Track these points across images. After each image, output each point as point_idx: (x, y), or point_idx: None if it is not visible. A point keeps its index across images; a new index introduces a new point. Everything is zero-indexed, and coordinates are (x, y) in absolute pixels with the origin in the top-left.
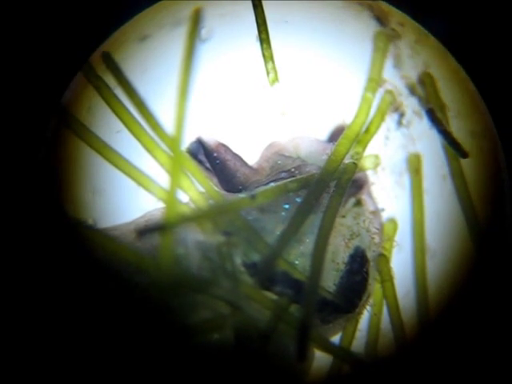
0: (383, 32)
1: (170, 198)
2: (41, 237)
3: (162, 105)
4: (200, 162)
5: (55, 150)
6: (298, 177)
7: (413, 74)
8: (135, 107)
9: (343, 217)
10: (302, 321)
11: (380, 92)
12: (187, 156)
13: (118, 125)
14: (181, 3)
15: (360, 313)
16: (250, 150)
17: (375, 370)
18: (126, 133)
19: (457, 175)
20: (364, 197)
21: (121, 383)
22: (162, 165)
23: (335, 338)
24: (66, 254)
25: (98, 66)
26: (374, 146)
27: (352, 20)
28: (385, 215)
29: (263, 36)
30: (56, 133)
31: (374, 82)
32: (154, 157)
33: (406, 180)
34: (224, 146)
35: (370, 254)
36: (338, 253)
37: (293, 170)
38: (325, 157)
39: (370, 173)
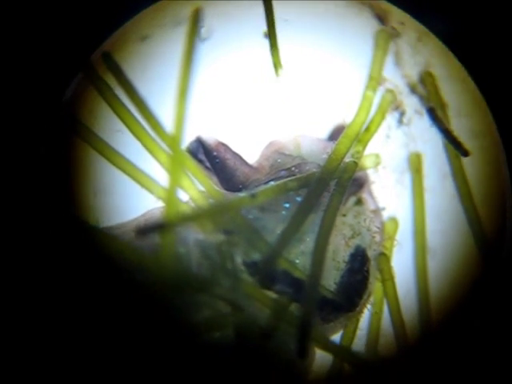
0: (384, 30)
1: (170, 196)
2: (43, 236)
3: (163, 104)
4: (200, 161)
5: (57, 150)
6: (299, 176)
7: (414, 73)
8: (135, 107)
9: (344, 215)
10: (302, 319)
11: (381, 91)
12: (187, 155)
13: (119, 124)
14: (181, 3)
15: (361, 312)
16: (251, 149)
17: (376, 369)
18: (126, 132)
19: (458, 174)
20: (365, 196)
21: (123, 382)
22: (161, 164)
23: (336, 337)
24: (68, 252)
25: (98, 66)
26: (375, 145)
27: (353, 18)
28: (386, 214)
29: (271, 30)
30: (57, 132)
31: (375, 80)
32: (154, 156)
33: (406, 179)
34: (224, 144)
35: (370, 253)
36: (339, 251)
37: (293, 168)
38: (325, 155)
39: (370, 172)
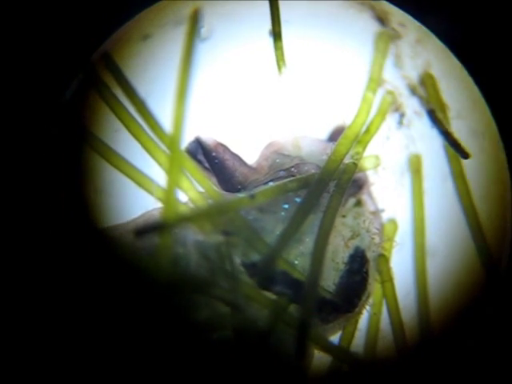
0: (384, 32)
1: (168, 197)
2: (44, 236)
3: (165, 104)
4: (199, 161)
5: (58, 149)
6: (298, 176)
7: (414, 74)
8: (134, 107)
9: (343, 217)
10: (301, 320)
11: (380, 92)
12: (186, 155)
13: (119, 125)
14: (182, 2)
15: (360, 313)
16: (251, 150)
17: (374, 370)
18: (125, 132)
19: (458, 176)
20: (364, 197)
21: (122, 381)
22: (160, 164)
23: (335, 338)
24: (68, 252)
25: (99, 67)
26: (375, 146)
27: (353, 20)
28: (385, 215)
29: (276, 28)
30: (59, 132)
31: (375, 82)
32: (153, 156)
33: (406, 180)
34: (223, 145)
35: (369, 254)
36: (338, 252)
37: (291, 168)
38: (325, 156)
39: (370, 173)
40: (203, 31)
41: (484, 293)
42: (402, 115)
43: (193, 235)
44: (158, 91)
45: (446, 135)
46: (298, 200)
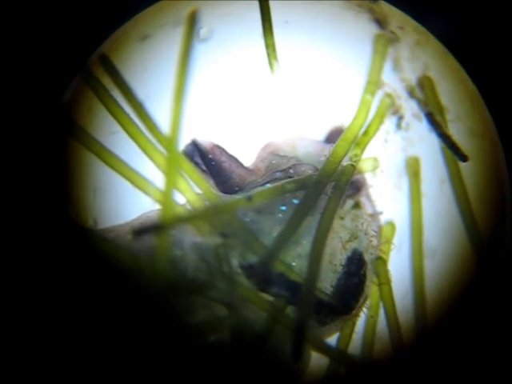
0: (383, 35)
1: (166, 198)
2: (40, 237)
3: (163, 104)
4: (195, 164)
5: (56, 151)
6: (296, 178)
7: (412, 77)
8: (132, 108)
9: (341, 218)
10: (297, 322)
11: (379, 95)
12: (183, 157)
13: (116, 126)
14: (181, 3)
15: (357, 315)
16: (248, 151)
17: (371, 373)
18: (123, 134)
19: (456, 178)
20: (362, 199)
21: (120, 383)
22: (158, 166)
23: (332, 340)
24: (64, 254)
25: (97, 67)
26: (373, 149)
27: (351, 22)
28: (383, 218)
29: (267, 26)
30: (57, 133)
31: (373, 84)
32: (151, 158)
33: (404, 183)
34: (219, 147)
35: (367, 257)
36: (336, 254)
37: (288, 169)
38: (322, 158)
39: (368, 175)
40: (202, 32)
41: (482, 294)
42: (401, 118)
43: (190, 237)
44: (157, 91)
45: (444, 138)
46: (295, 201)
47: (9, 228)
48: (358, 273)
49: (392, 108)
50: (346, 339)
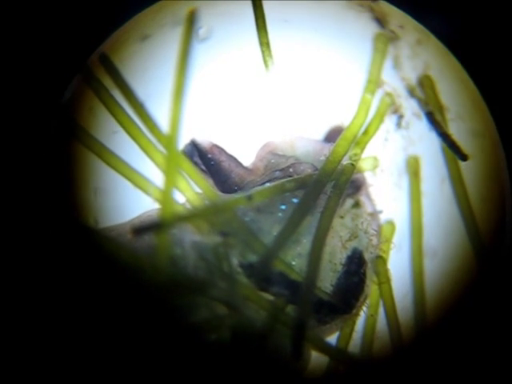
0: (383, 34)
1: (166, 198)
2: (42, 236)
3: (164, 104)
4: (195, 164)
5: (57, 151)
6: (296, 177)
7: (412, 76)
8: (132, 108)
9: (341, 218)
10: (297, 321)
11: (379, 93)
12: (183, 156)
13: (116, 126)
14: (181, 3)
15: (357, 314)
16: (247, 151)
17: (371, 371)
18: (123, 133)
19: (456, 177)
20: (362, 198)
21: (120, 382)
22: (158, 165)
23: (332, 339)
24: (65, 253)
25: (97, 67)
26: (373, 148)
27: (352, 21)
28: (383, 217)
29: (260, 23)
30: (57, 133)
31: (373, 83)
32: (151, 157)
33: (404, 182)
34: (218, 147)
35: (367, 256)
36: (336, 254)
37: (288, 169)
38: (322, 157)
39: (368, 174)
40: (202, 32)
41: (482, 294)
42: (401, 117)
43: (190, 236)
44: (157, 90)
45: (445, 137)
46: (295, 201)
47: (11, 227)
48: (357, 272)
49: (392, 107)
50: (345, 338)
